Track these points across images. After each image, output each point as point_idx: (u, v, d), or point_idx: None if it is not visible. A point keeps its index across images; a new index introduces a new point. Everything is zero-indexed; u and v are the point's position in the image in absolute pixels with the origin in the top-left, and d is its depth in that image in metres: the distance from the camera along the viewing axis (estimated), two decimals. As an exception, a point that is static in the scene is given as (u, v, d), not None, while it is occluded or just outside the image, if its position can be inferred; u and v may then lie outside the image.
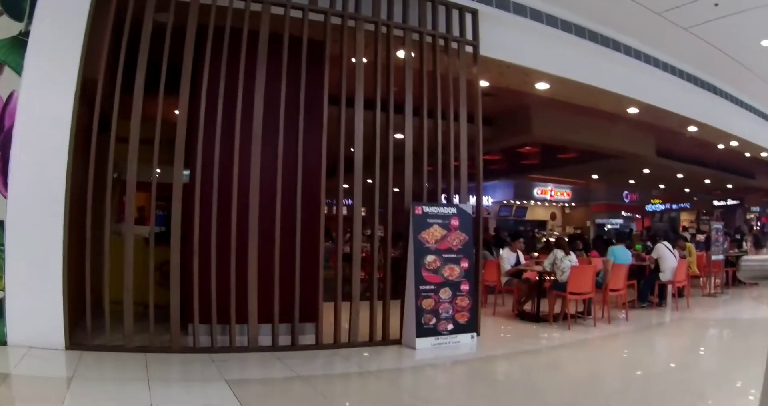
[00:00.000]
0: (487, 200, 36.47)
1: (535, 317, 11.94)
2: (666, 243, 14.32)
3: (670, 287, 14.01)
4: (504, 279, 13.01)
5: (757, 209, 48.53)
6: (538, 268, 12.30)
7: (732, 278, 18.43)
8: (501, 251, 13.88)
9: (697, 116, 16.55)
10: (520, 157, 24.69)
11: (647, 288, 14.03)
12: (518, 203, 38.94)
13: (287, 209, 8.62)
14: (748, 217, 46.92)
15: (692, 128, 17.64)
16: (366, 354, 8.71)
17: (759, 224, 43.47)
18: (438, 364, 8.41)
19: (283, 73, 8.74)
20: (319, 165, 9.03)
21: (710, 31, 13.68)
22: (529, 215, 40.54)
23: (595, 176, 33.19)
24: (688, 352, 10.19)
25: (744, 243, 20.55)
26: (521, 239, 14.54)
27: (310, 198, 8.87)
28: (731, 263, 18.18)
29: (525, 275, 12.96)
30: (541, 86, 13.05)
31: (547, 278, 12.01)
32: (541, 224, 40.97)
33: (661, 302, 14.13)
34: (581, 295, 11.41)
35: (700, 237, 23.62)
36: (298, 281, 8.60)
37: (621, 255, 12.87)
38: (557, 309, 11.79)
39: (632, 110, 15.31)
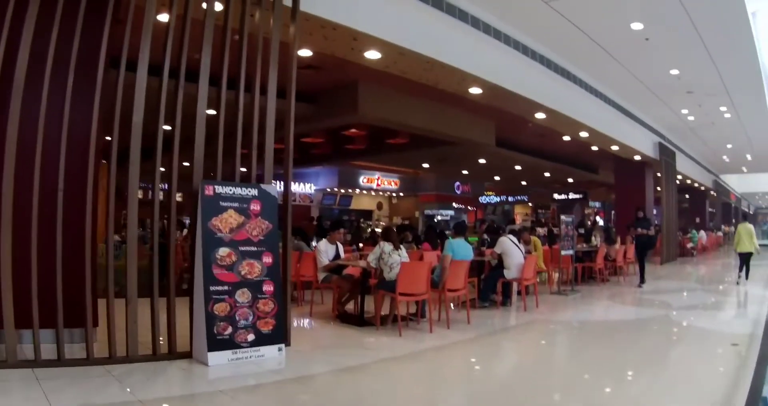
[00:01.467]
0: (309, 188, 36.85)
1: (359, 320, 10.73)
2: (511, 237, 13.53)
3: (516, 285, 13.35)
4: (321, 275, 11.89)
5: (597, 204, 50.36)
6: (362, 263, 11.13)
7: (582, 275, 18.17)
8: (318, 243, 12.55)
9: (548, 102, 16.27)
10: (346, 141, 24.15)
11: (489, 286, 13.22)
12: (343, 191, 39.02)
13: (47, 188, 7.12)
14: (586, 211, 48.47)
15: (540, 115, 17.41)
16: (146, 373, 7.16)
17: (599, 218, 44.98)
18: (236, 388, 6.77)
19: (56, 21, 7.24)
20: (88, 138, 7.46)
21: (575, 8, 13.33)
22: (355, 204, 40.93)
23: (426, 165, 33.44)
24: (543, 363, 9.13)
25: (593, 238, 20.45)
26: (342, 230, 13.26)
27: (76, 177, 7.35)
28: (580, 258, 17.95)
29: (346, 271, 11.86)
30: (372, 55, 11.83)
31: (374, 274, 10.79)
32: (367, 214, 41.49)
33: (506, 301, 13.42)
34: (413, 296, 10.30)
35: (541, 231, 23.30)
36: (61, 276, 7.10)
37: (461, 250, 11.65)
38: (385, 310, 10.70)
39: (475, 91, 14.57)
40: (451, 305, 11.73)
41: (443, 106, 19.15)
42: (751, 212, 77.45)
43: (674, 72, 18.82)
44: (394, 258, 10.33)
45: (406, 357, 8.67)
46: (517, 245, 13.25)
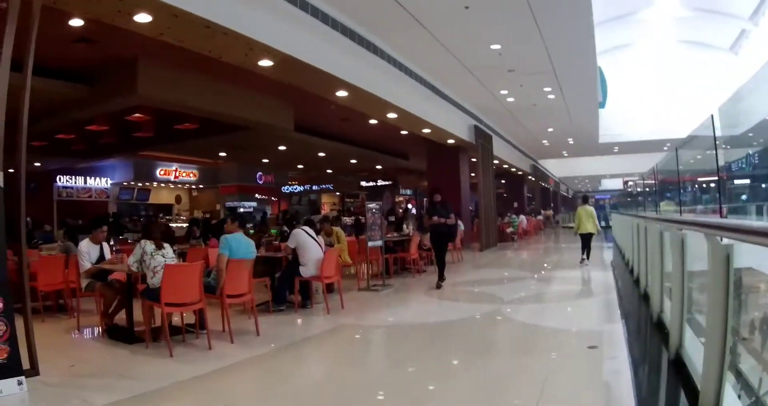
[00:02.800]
0: (105, 182, 36.52)
1: (129, 335, 9.36)
2: (306, 228, 12.51)
3: (319, 285, 12.42)
4: (84, 281, 10.53)
5: (408, 191, 50.91)
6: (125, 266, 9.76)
7: (394, 266, 17.64)
8: (80, 244, 11.06)
9: (350, 78, 15.33)
10: (132, 128, 22.96)
11: (284, 287, 12.22)
12: (140, 184, 38.50)
13: None
14: (398, 199, 48.93)
15: (342, 93, 16.55)
16: None
17: (411, 206, 45.56)
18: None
19: None
20: None
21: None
22: (153, 198, 40.44)
23: (223, 154, 33.15)
24: (360, 385, 7.37)
25: (405, 227, 20.04)
26: (105, 228, 11.65)
27: None
28: (391, 249, 17.50)
29: (112, 276, 10.47)
30: (142, 18, 10.38)
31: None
32: (167, 208, 41.15)
33: (306, 303, 12.42)
34: (184, 306, 9.01)
35: (348, 220, 22.64)
36: None
37: (240, 247, 10.20)
38: (158, 322, 9.36)
39: (265, 63, 13.37)
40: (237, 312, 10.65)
41: (233, 86, 18.38)
42: (569, 196, 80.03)
43: (495, 47, 18.40)
44: (158, 259, 9.08)
45: (175, 388, 7.08)
46: (314, 238, 12.33)
